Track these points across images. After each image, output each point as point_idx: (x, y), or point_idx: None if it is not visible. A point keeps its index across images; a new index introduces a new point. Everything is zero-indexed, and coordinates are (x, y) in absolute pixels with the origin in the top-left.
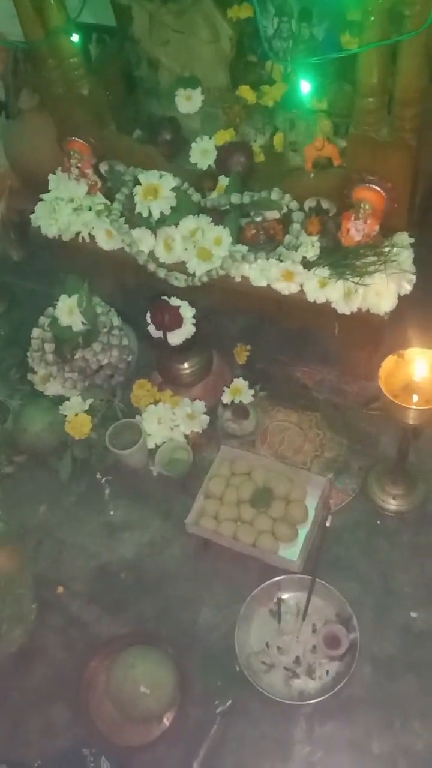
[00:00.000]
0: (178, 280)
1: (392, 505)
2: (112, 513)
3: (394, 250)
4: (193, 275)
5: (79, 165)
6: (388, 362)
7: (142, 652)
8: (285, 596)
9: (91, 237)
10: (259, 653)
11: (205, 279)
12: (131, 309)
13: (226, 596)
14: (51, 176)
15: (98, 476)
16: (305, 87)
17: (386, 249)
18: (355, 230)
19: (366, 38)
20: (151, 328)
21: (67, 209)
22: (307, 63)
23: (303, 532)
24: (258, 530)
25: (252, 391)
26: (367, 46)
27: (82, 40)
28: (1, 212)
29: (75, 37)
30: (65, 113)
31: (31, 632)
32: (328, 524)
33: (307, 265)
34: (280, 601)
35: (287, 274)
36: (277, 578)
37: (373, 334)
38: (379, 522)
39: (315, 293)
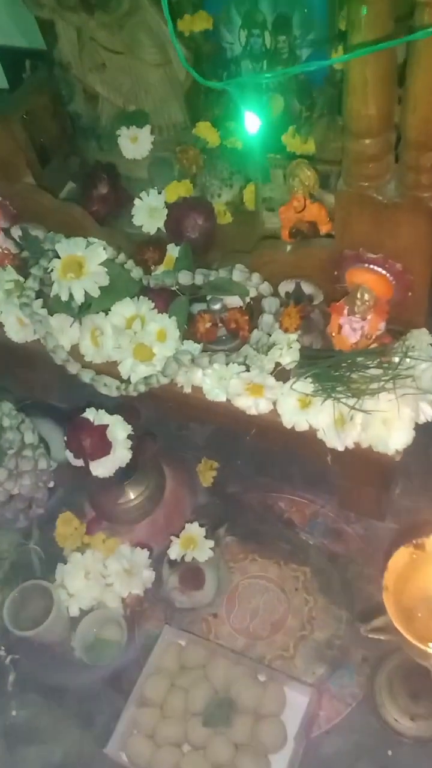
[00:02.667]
0: (108, 388)
1: (410, 727)
2: (14, 713)
3: (409, 357)
4: (128, 381)
5: None
6: (399, 558)
7: None
8: None
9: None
10: None
11: (142, 388)
12: (65, 404)
13: None
14: None
15: (2, 653)
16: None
17: (396, 356)
18: (350, 328)
19: (356, 40)
20: (70, 454)
21: None
22: (271, 84)
23: (279, 764)
24: (212, 764)
25: (211, 542)
26: (357, 52)
27: (11, 67)
28: None
29: None
30: None
31: None
32: None
33: (281, 375)
34: None
35: (254, 388)
36: None
37: (380, 475)
38: (390, 752)
39: (293, 416)
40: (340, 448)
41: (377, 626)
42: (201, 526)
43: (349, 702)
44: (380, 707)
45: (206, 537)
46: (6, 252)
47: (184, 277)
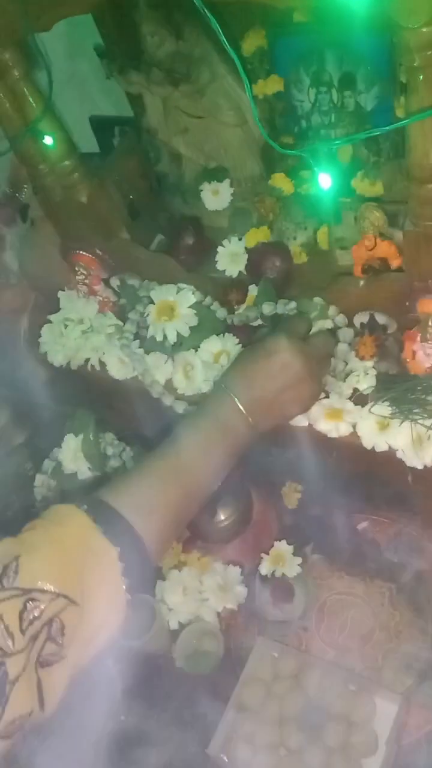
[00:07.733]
0: None
1: None
2: (123, 718)
3: None
4: None
5: (87, 281)
6: None
7: None
8: None
9: (102, 364)
10: None
11: None
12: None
13: None
14: (61, 294)
15: (109, 663)
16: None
17: None
18: (424, 354)
19: (414, 104)
20: None
21: (76, 332)
22: (341, 142)
23: None
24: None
25: (299, 559)
26: (416, 116)
27: (101, 134)
28: (24, 329)
29: (48, 140)
30: (66, 223)
31: None
32: None
33: (360, 399)
34: None
35: (334, 413)
36: None
37: None
38: None
39: (372, 438)
40: (420, 467)
41: None
42: (289, 544)
43: None
44: None
45: (294, 554)
46: (107, 300)
47: (267, 308)
